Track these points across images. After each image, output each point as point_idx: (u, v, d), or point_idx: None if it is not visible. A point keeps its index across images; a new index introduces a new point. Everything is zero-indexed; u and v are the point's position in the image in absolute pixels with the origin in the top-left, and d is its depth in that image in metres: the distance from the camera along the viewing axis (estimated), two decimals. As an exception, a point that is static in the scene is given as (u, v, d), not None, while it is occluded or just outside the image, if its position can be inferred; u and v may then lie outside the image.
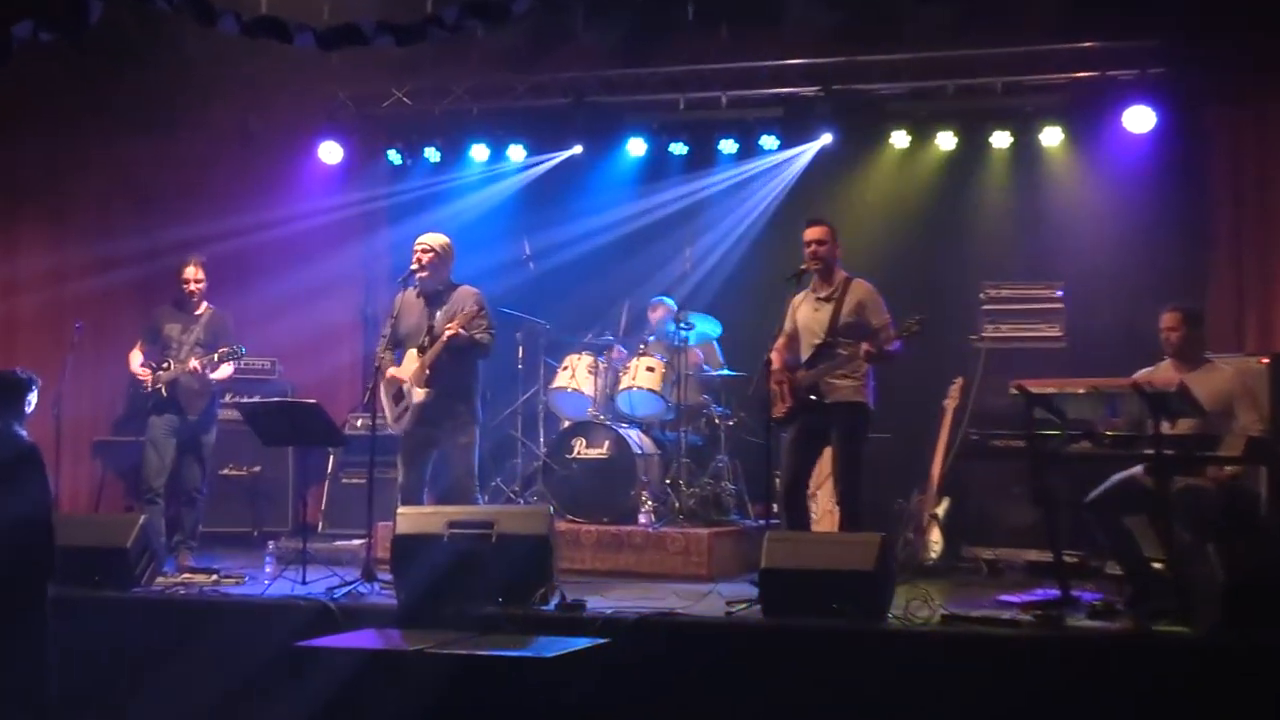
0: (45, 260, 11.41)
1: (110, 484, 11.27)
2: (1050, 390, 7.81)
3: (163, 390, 9.33)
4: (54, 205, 11.68)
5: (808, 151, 11.37)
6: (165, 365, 9.36)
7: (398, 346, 8.79)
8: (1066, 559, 8.08)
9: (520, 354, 10.76)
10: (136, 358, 9.49)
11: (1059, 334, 10.15)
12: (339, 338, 11.93)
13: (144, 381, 9.37)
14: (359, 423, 10.90)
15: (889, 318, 8.25)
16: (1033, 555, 9.30)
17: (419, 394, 8.57)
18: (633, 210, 11.65)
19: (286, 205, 11.77)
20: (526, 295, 10.90)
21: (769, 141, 11.33)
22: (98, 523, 8.87)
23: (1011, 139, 10.87)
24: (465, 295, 8.74)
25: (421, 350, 8.63)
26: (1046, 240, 10.81)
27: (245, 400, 10.36)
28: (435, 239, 8.83)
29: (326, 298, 11.74)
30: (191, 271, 9.54)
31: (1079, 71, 10.58)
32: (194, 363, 9.29)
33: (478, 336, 8.58)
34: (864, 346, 8.07)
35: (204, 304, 9.62)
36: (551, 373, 10.66)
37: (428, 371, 8.57)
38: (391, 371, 8.68)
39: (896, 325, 8.14)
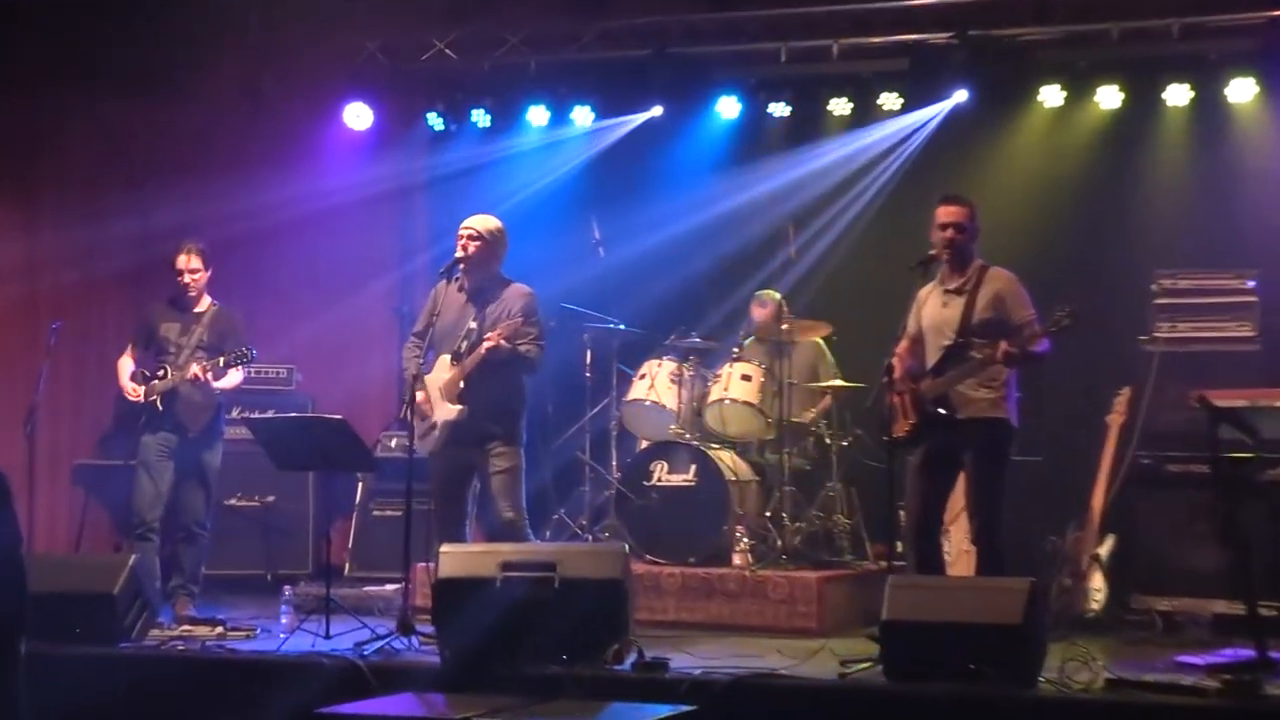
0: (17, 247, 11.56)
1: (94, 517, 11.36)
2: (1241, 403, 7.75)
3: (158, 403, 9.35)
4: (28, 182, 11.87)
5: (938, 113, 11.32)
6: (161, 373, 9.39)
7: (430, 349, 8.82)
8: (1263, 611, 7.98)
9: (589, 360, 10.77)
10: (127, 366, 9.53)
11: (1251, 334, 10.00)
12: (369, 341, 12.01)
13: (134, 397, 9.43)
14: (393, 443, 10.97)
15: (1034, 312, 8.12)
16: (1220, 607, 9.17)
17: (450, 411, 8.59)
18: (724, 185, 11.66)
19: (305, 181, 11.83)
20: (595, 289, 10.93)
21: (890, 101, 11.28)
22: (79, 564, 9.00)
23: (1191, 94, 10.76)
24: (515, 296, 8.74)
25: (456, 358, 8.66)
26: (1235, 218, 10.70)
27: (257, 415, 10.44)
28: (484, 223, 8.84)
29: (353, 292, 11.86)
30: (184, 260, 9.49)
31: (1276, 9, 10.44)
32: (195, 369, 9.28)
33: (523, 349, 8.59)
34: (1002, 346, 7.94)
35: (206, 299, 9.64)
36: (626, 382, 10.69)
37: (461, 385, 8.60)
38: (420, 399, 8.70)
39: (1043, 321, 8.03)
